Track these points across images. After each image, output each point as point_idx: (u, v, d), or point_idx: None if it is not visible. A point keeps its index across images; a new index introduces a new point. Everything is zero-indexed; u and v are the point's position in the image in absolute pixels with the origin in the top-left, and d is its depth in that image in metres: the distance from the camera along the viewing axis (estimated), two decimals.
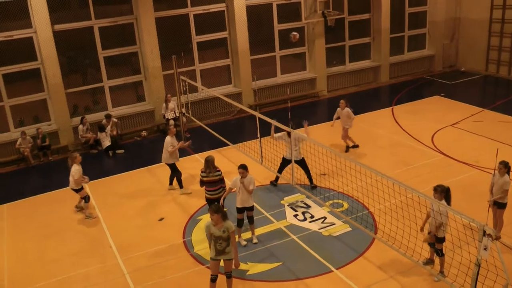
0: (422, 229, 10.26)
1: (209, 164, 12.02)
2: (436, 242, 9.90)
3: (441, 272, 10.04)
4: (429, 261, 10.43)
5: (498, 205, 10.98)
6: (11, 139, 18.20)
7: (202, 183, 12.15)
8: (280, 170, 14.24)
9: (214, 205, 9.87)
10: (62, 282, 11.26)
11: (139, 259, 11.79)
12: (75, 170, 13.61)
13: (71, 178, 13.65)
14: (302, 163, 14.15)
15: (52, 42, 18.03)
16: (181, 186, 14.92)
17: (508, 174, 10.74)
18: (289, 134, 13.24)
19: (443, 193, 9.66)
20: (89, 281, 11.18)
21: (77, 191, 13.86)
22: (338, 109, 16.66)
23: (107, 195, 15.22)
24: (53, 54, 18.15)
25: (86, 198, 13.96)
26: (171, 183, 15.15)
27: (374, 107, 21.42)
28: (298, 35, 19.95)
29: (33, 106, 19.15)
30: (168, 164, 14.75)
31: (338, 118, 16.78)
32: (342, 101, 16.68)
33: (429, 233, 9.94)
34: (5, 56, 17.94)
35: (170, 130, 14.72)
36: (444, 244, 9.96)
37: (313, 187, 14.28)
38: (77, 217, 14.06)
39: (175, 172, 14.86)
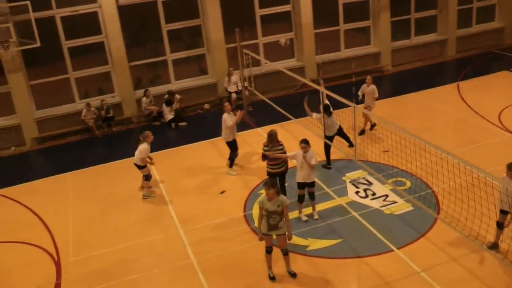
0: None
1: (273, 138, 12.02)
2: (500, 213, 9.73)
3: (496, 243, 9.89)
4: (494, 245, 10.11)
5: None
6: (76, 110, 18.79)
7: (264, 157, 12.14)
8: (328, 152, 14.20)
9: (270, 180, 9.93)
10: (124, 249, 11.62)
11: (199, 231, 12.00)
12: (144, 148, 13.57)
13: (137, 154, 13.65)
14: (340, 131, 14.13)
15: (117, 16, 18.38)
16: (230, 166, 14.76)
17: None
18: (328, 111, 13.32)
19: None
20: (151, 250, 11.49)
21: (140, 167, 13.92)
22: (363, 85, 16.14)
23: (169, 167, 15.50)
24: (117, 28, 18.50)
25: (148, 177, 13.98)
26: (230, 165, 14.86)
27: (440, 82, 20.84)
28: (287, 41, 19.08)
29: (97, 79, 19.68)
30: (228, 143, 14.55)
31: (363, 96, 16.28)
32: (368, 77, 16.12)
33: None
34: (71, 30, 18.44)
35: (225, 107, 14.47)
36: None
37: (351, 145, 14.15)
38: (139, 187, 14.37)
39: (233, 151, 14.67)
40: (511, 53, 23.89)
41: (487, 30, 25.13)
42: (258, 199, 9.76)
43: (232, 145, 14.61)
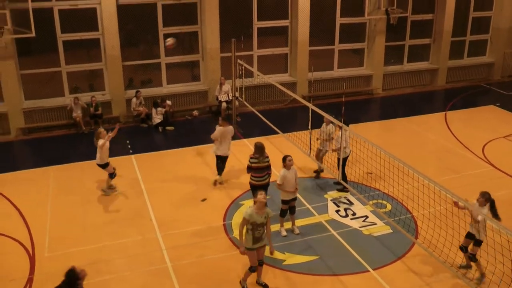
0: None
1: (261, 150, 12.08)
2: (474, 245, 10.01)
3: (482, 274, 10.13)
4: (467, 266, 10.49)
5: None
6: (65, 104, 18.68)
7: (250, 169, 12.18)
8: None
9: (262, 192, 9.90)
10: (100, 249, 11.57)
11: (178, 236, 11.99)
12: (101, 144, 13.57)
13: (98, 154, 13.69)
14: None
15: (115, 14, 18.36)
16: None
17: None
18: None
19: (488, 202, 9.70)
20: (127, 251, 11.46)
21: (102, 167, 13.87)
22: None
23: (153, 169, 15.49)
24: (114, 26, 18.48)
25: (112, 175, 14.01)
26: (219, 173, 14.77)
27: (428, 110, 21.09)
28: (173, 43, 17.41)
29: (89, 75, 19.63)
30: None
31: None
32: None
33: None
34: (68, 24, 18.40)
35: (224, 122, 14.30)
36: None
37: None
38: (121, 187, 14.36)
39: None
40: (499, 89, 24.21)
41: (478, 64, 25.47)
42: (246, 212, 9.57)
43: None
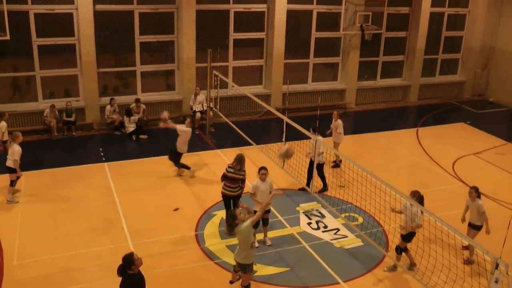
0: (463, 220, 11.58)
1: (242, 161, 12.11)
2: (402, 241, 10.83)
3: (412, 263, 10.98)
4: (412, 265, 10.97)
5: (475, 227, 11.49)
6: (38, 109, 18.49)
7: (224, 177, 12.20)
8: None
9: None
10: (71, 257, 11.44)
11: (149, 245, 11.93)
12: (16, 150, 13.44)
13: (10, 156, 13.53)
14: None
15: (92, 21, 18.30)
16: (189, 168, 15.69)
17: (479, 198, 11.35)
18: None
19: (418, 200, 10.47)
20: (99, 260, 11.35)
21: (11, 171, 13.68)
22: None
23: (125, 178, 15.39)
24: (90, 32, 18.40)
25: (13, 182, 13.82)
26: (187, 168, 15.60)
27: (400, 126, 21.47)
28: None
29: (63, 80, 19.43)
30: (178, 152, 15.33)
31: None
32: (335, 112, 16.67)
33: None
34: (43, 28, 18.25)
35: (187, 121, 15.57)
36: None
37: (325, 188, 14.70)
38: (93, 195, 14.24)
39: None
40: (470, 107, 24.70)
41: (449, 82, 26.02)
42: (247, 230, 9.55)
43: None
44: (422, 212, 10.31)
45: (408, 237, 10.79)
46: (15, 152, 13.45)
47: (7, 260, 11.26)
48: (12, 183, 13.83)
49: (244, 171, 12.19)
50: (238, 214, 9.50)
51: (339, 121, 16.26)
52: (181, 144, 15.21)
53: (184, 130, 15.14)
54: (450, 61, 26.26)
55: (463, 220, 11.62)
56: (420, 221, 10.47)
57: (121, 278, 8.12)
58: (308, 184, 14.03)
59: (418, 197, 10.52)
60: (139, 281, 8.15)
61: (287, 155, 13.54)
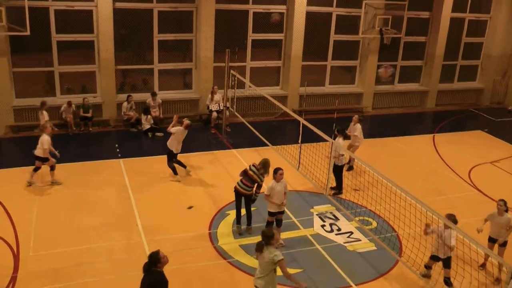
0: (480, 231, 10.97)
1: (266, 166, 12.08)
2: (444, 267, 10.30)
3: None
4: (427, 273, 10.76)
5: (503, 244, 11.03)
6: (56, 104, 18.61)
7: (244, 173, 12.21)
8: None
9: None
10: (84, 251, 11.50)
11: (163, 243, 11.91)
12: (45, 139, 14.05)
13: (40, 146, 14.08)
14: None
15: (111, 18, 18.41)
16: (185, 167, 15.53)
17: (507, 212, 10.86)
18: None
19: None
20: (111, 255, 11.41)
21: (41, 160, 14.22)
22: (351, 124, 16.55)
23: (141, 175, 15.43)
24: (109, 29, 18.51)
25: (53, 167, 14.44)
26: (184, 166, 15.53)
27: (416, 131, 21.33)
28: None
29: (81, 76, 19.57)
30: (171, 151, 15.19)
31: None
32: (355, 116, 16.58)
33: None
34: (63, 25, 18.39)
35: (184, 122, 15.20)
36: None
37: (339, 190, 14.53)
38: (108, 191, 14.32)
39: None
40: (488, 114, 24.48)
41: (468, 89, 25.80)
42: (279, 256, 8.64)
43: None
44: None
45: (449, 262, 10.32)
46: (43, 141, 14.01)
47: (23, 251, 11.36)
48: (52, 167, 14.39)
49: (263, 176, 12.15)
50: (276, 234, 8.77)
51: (358, 125, 16.19)
52: (172, 141, 15.07)
53: (176, 129, 15.02)
54: (469, 68, 26.02)
55: (479, 231, 11.09)
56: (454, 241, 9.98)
57: (143, 275, 8.08)
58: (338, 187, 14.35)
59: (453, 221, 9.83)
60: (163, 280, 8.08)
61: None
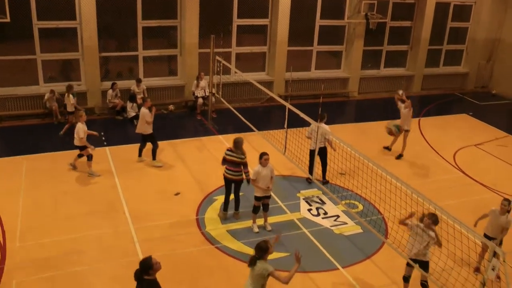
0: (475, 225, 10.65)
1: (238, 145, 12.08)
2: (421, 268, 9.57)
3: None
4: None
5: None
6: (39, 93, 18.44)
7: (224, 160, 12.23)
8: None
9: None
10: (72, 240, 11.47)
11: (150, 229, 11.97)
12: (80, 127, 14.00)
13: (76, 135, 14.07)
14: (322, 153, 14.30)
15: (94, 4, 18.17)
16: (153, 158, 15.30)
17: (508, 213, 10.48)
18: None
19: (435, 224, 9.33)
20: (100, 243, 11.39)
21: (81, 148, 14.23)
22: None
23: (127, 162, 15.40)
24: (92, 16, 18.29)
25: (89, 157, 14.38)
26: (140, 155, 15.50)
27: None
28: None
29: (65, 64, 19.39)
30: (145, 135, 15.16)
31: None
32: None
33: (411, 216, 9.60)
34: (44, 11, 18.10)
35: (146, 102, 15.18)
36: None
37: (324, 182, 14.42)
38: (94, 179, 14.30)
39: (154, 143, 15.24)
40: (472, 98, 24.66)
41: (453, 73, 25.97)
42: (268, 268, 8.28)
43: (152, 137, 15.25)
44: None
45: (426, 265, 9.68)
46: (79, 130, 14.00)
47: (9, 242, 11.29)
48: (89, 157, 14.35)
49: (244, 154, 12.16)
50: (270, 247, 8.27)
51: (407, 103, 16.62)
52: (140, 124, 15.12)
53: (142, 111, 15.11)
54: (455, 52, 26.14)
55: (475, 225, 10.78)
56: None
57: (136, 284, 7.48)
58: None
59: (434, 221, 9.33)
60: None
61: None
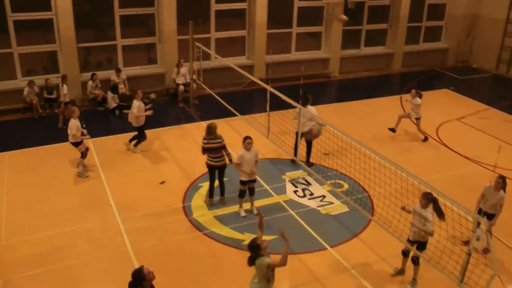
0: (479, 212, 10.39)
1: (211, 131, 12.05)
2: (417, 249, 9.70)
3: (414, 279, 10.01)
4: (400, 271, 10.33)
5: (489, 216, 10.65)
6: (18, 87, 18.16)
7: (204, 150, 12.19)
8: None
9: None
10: (60, 235, 11.39)
11: (137, 220, 11.93)
12: (72, 124, 13.61)
13: (69, 132, 13.71)
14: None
15: None
16: (135, 145, 15.37)
17: (504, 190, 10.60)
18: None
19: (431, 202, 9.40)
20: (88, 237, 11.32)
21: (75, 145, 13.91)
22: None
23: (110, 153, 15.31)
24: (68, 6, 18.01)
25: (83, 154, 13.99)
26: (131, 141, 15.54)
27: (384, 93, 21.46)
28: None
29: (42, 57, 19.13)
30: (134, 127, 15.16)
31: None
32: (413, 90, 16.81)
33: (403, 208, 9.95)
34: (19, 3, 17.80)
35: (137, 94, 15.06)
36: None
37: (309, 165, 14.41)
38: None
39: (141, 136, 15.24)
40: (453, 73, 24.79)
41: (433, 49, 26.10)
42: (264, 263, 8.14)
43: (140, 130, 15.27)
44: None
45: (424, 245, 9.75)
46: (71, 127, 13.58)
47: None
48: (83, 155, 13.97)
49: (220, 138, 12.11)
50: (261, 243, 8.09)
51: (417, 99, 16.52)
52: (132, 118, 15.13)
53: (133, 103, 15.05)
54: (434, 29, 26.25)
55: (479, 213, 10.47)
56: (432, 227, 9.38)
57: None
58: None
59: (431, 199, 9.39)
60: None
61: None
